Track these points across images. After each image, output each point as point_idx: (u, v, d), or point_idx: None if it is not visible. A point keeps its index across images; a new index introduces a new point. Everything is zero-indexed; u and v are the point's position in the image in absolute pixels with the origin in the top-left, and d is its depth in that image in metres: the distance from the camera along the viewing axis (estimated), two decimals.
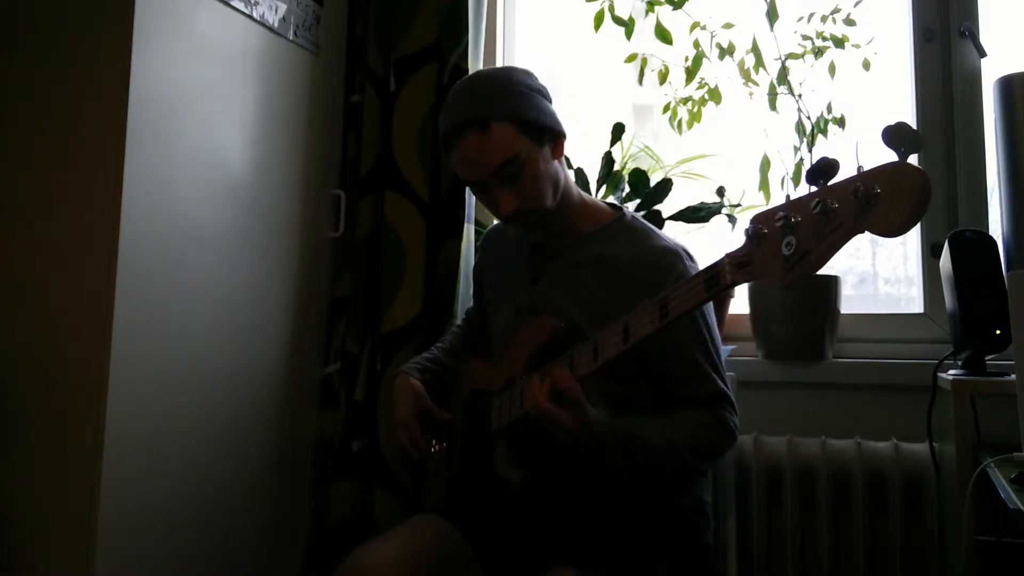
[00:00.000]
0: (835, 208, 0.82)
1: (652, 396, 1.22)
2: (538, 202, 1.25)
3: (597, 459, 1.13)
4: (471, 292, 1.79)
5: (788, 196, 0.92)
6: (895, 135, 0.81)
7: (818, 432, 1.70)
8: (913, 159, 0.80)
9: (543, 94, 1.30)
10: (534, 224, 1.30)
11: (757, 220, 0.91)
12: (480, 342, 1.54)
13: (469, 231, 1.83)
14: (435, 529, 1.27)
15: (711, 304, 1.29)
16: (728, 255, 0.95)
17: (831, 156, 0.87)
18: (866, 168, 0.82)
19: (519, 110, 1.23)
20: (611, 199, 1.83)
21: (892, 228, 0.78)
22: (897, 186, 0.78)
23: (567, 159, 1.84)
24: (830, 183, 0.85)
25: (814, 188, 0.87)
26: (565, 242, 1.34)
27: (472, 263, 1.81)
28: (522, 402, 1.20)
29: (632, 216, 1.36)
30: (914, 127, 1.86)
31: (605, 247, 1.30)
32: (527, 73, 1.31)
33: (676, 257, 1.25)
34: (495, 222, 1.61)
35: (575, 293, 1.29)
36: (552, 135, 1.28)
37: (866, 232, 0.80)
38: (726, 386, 1.24)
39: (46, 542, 1.25)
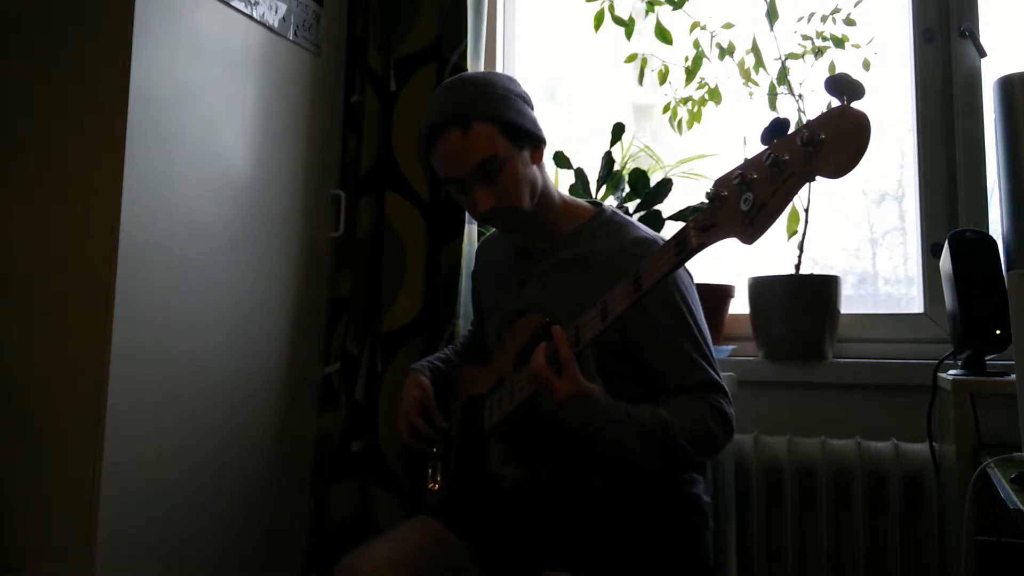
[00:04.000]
0: (785, 159, 0.85)
1: (643, 395, 1.22)
2: (514, 202, 1.27)
3: (591, 440, 1.12)
4: (471, 296, 1.79)
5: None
6: (838, 84, 0.82)
7: (818, 432, 1.70)
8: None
9: (525, 100, 1.32)
10: (511, 224, 1.32)
11: (718, 184, 0.93)
12: (480, 350, 1.54)
13: (471, 231, 1.84)
14: (432, 532, 1.27)
15: (696, 296, 1.29)
16: (692, 219, 0.97)
17: (782, 117, 0.89)
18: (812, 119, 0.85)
19: (500, 112, 1.26)
20: (611, 199, 1.83)
21: (838, 169, 0.81)
22: (840, 129, 0.81)
23: (567, 159, 1.85)
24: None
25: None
26: (548, 244, 1.35)
27: (474, 263, 1.81)
28: (511, 397, 1.20)
29: (612, 211, 1.37)
30: (912, 123, 1.87)
31: (586, 244, 1.31)
32: (510, 79, 1.33)
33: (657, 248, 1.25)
34: (490, 231, 1.61)
35: (560, 292, 1.30)
36: (532, 140, 1.30)
37: (816, 177, 0.83)
38: (717, 375, 1.24)
39: (46, 542, 1.25)
